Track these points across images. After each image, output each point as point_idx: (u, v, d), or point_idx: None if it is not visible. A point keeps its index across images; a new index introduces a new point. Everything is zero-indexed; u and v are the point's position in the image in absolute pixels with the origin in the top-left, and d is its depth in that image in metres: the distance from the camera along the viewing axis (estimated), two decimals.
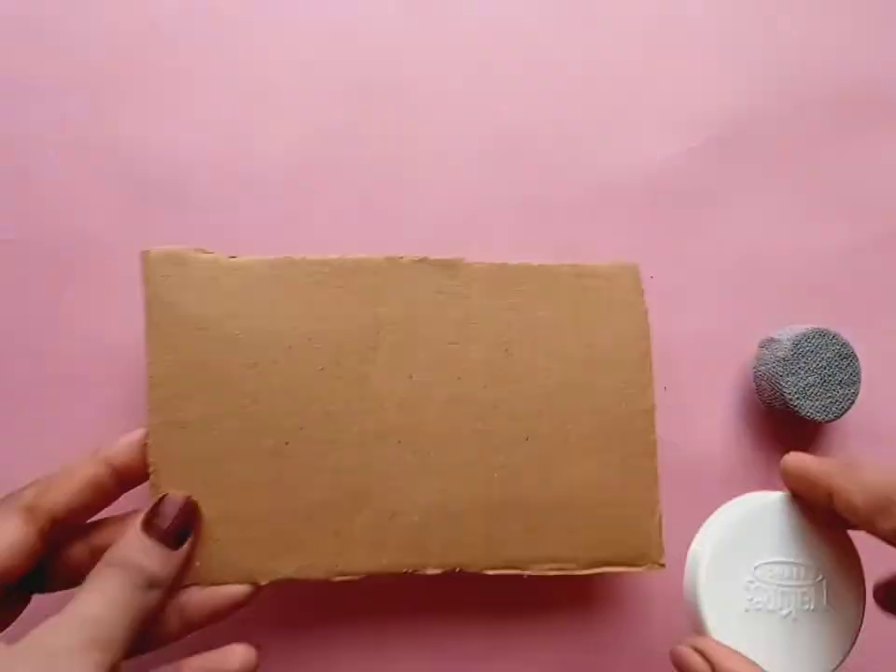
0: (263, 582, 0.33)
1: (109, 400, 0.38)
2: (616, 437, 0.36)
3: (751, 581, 0.31)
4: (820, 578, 0.31)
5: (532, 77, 0.40)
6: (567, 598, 0.38)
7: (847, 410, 0.37)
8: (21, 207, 0.39)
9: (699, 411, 0.39)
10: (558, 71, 0.40)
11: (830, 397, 0.37)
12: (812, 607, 0.31)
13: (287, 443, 0.34)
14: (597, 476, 0.36)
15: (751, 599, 0.30)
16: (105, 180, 0.39)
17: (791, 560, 0.31)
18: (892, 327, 0.41)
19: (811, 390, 0.37)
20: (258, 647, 0.32)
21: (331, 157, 0.39)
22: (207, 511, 0.33)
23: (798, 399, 0.37)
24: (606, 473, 0.36)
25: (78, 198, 0.39)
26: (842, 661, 0.31)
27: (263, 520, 0.34)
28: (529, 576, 0.35)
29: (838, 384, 0.37)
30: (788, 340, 0.37)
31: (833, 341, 0.37)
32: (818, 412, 0.37)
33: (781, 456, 0.38)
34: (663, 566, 0.36)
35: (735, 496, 0.37)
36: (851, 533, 0.30)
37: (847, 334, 0.38)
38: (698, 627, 0.30)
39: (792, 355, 0.37)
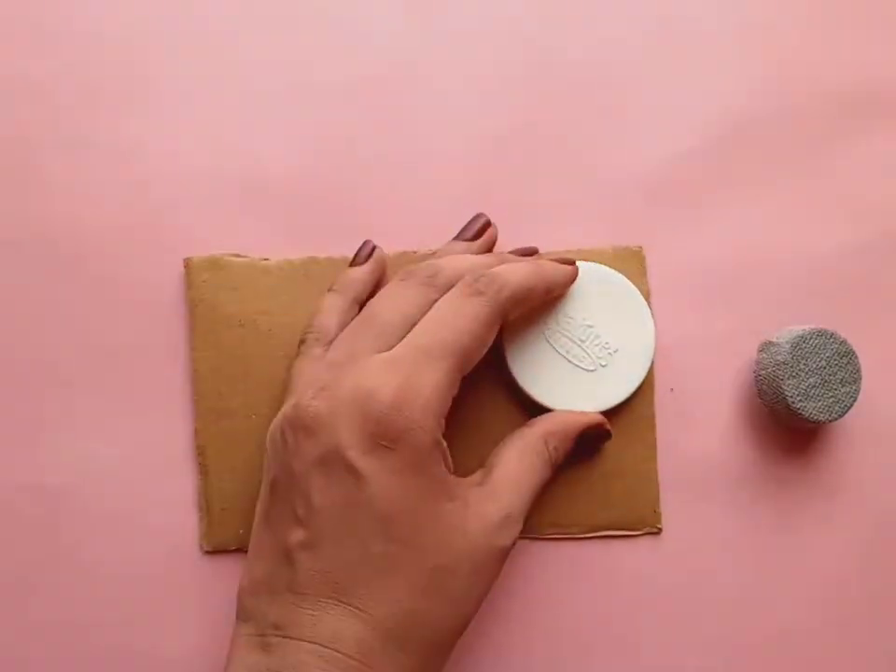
0: None
1: (110, 400, 0.39)
2: (617, 412, 0.39)
3: (556, 324, 0.38)
4: (609, 344, 0.38)
5: (531, 78, 0.41)
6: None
7: (849, 408, 0.38)
8: (21, 207, 0.39)
9: (701, 413, 0.40)
10: (558, 71, 0.41)
11: (832, 396, 0.37)
12: (610, 354, 0.38)
13: None
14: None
15: (550, 335, 0.38)
16: (105, 180, 0.40)
17: (592, 324, 0.38)
18: (891, 326, 0.41)
19: (813, 391, 0.37)
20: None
21: (333, 156, 0.40)
22: (248, 486, 0.38)
23: (800, 401, 0.37)
24: (607, 445, 0.39)
25: (78, 198, 0.39)
26: (639, 384, 0.38)
27: None
28: (533, 538, 0.39)
29: (839, 382, 0.37)
30: (786, 343, 0.38)
31: (832, 340, 0.38)
32: (820, 412, 0.37)
33: (784, 457, 0.40)
34: (660, 530, 0.39)
35: (737, 497, 0.40)
36: None
37: (846, 334, 0.38)
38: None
39: (792, 357, 0.37)
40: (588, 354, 0.38)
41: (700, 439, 0.40)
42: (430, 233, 0.40)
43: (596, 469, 0.39)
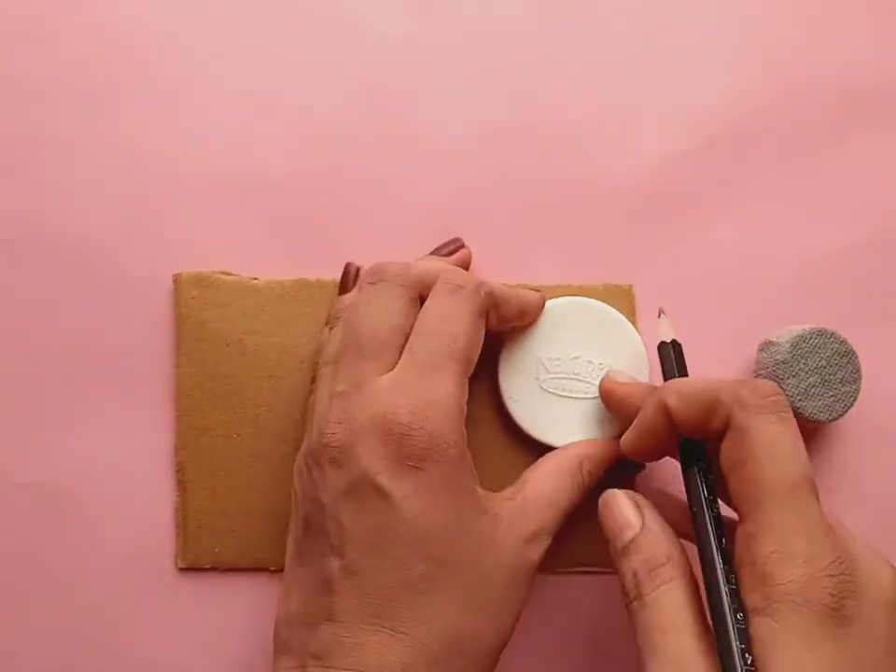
0: (273, 569, 0.38)
1: (109, 400, 0.39)
2: None
3: (546, 371, 0.38)
4: (608, 365, 0.38)
5: (531, 78, 0.41)
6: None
7: (849, 408, 0.37)
8: (21, 207, 0.40)
9: None
10: (557, 71, 0.41)
11: (832, 396, 0.37)
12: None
13: (297, 448, 0.39)
14: None
15: (544, 383, 0.38)
16: (105, 180, 0.40)
17: (578, 355, 0.38)
18: (892, 325, 0.40)
19: (813, 390, 0.37)
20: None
21: (331, 157, 0.40)
22: (227, 505, 0.38)
23: (801, 400, 0.37)
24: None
25: (78, 198, 0.40)
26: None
27: (275, 515, 0.38)
28: None
29: (839, 382, 0.37)
30: (786, 342, 0.37)
31: (832, 339, 0.37)
32: (820, 411, 0.37)
33: None
34: None
35: None
36: None
37: (845, 333, 0.37)
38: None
39: (791, 357, 0.37)
40: (589, 382, 0.38)
41: None
42: (420, 239, 0.40)
43: (586, 504, 0.38)
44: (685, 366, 0.35)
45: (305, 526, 0.32)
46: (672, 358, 0.35)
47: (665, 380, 0.34)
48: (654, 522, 0.30)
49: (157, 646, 0.38)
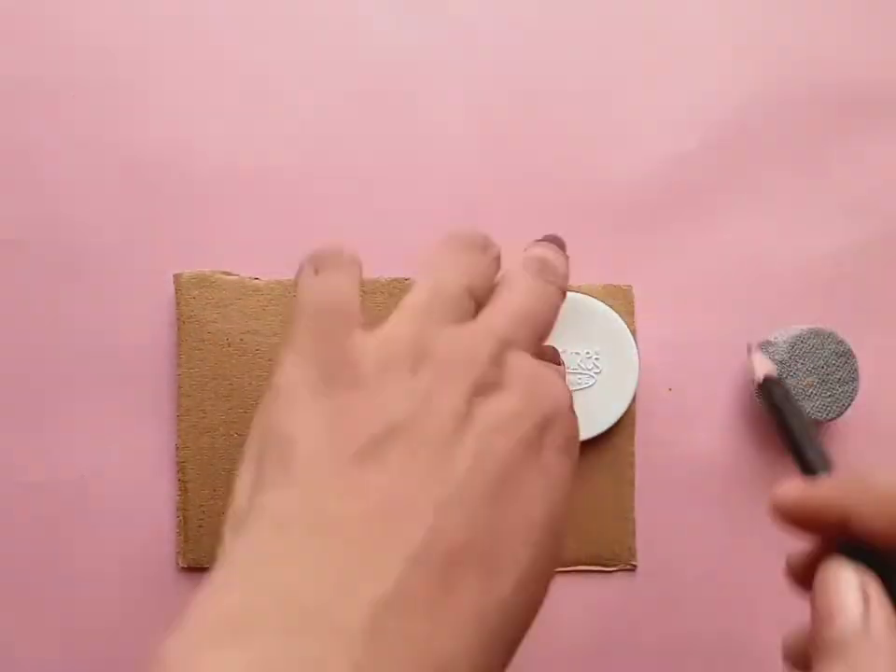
0: None
1: (110, 400, 0.39)
2: (599, 449, 0.39)
3: None
4: (595, 355, 0.38)
5: (531, 79, 0.41)
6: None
7: (846, 408, 0.37)
8: (22, 207, 0.40)
9: (699, 412, 0.40)
10: (558, 72, 0.41)
11: (829, 395, 0.37)
12: (593, 379, 0.38)
13: None
14: (579, 484, 0.39)
15: None
16: (105, 180, 0.40)
17: (567, 349, 0.38)
18: (889, 326, 0.40)
19: (811, 390, 0.37)
20: None
21: (331, 157, 0.41)
22: (226, 504, 0.38)
23: (798, 400, 0.37)
24: (587, 482, 0.39)
25: (79, 198, 0.40)
26: (624, 413, 0.39)
27: None
28: None
29: (837, 382, 0.37)
30: (784, 342, 0.37)
31: (829, 339, 0.37)
32: (818, 411, 0.37)
33: (781, 455, 0.39)
34: (634, 567, 0.39)
35: (737, 496, 0.40)
36: None
37: (843, 334, 0.38)
38: None
39: (789, 357, 0.37)
40: (581, 372, 0.38)
41: (698, 437, 0.40)
42: (419, 237, 0.39)
43: (576, 504, 0.39)
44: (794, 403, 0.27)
45: None
46: (786, 399, 0.27)
47: (777, 419, 0.27)
48: (882, 622, 0.21)
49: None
